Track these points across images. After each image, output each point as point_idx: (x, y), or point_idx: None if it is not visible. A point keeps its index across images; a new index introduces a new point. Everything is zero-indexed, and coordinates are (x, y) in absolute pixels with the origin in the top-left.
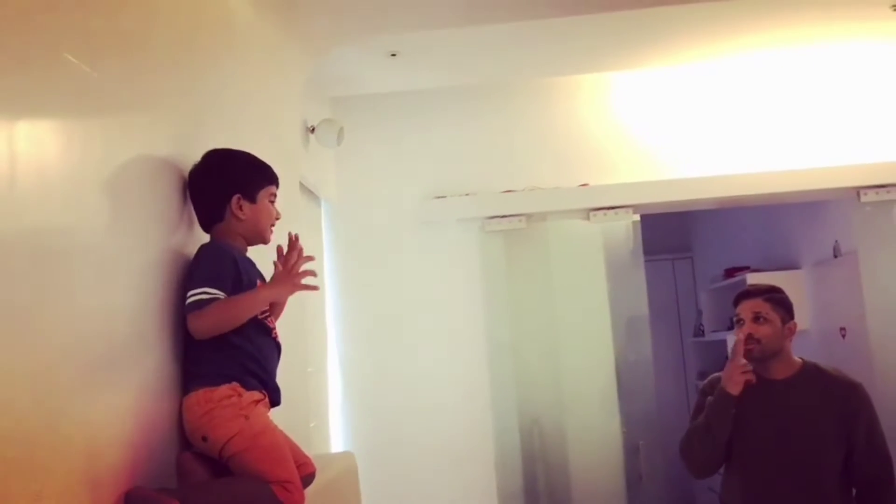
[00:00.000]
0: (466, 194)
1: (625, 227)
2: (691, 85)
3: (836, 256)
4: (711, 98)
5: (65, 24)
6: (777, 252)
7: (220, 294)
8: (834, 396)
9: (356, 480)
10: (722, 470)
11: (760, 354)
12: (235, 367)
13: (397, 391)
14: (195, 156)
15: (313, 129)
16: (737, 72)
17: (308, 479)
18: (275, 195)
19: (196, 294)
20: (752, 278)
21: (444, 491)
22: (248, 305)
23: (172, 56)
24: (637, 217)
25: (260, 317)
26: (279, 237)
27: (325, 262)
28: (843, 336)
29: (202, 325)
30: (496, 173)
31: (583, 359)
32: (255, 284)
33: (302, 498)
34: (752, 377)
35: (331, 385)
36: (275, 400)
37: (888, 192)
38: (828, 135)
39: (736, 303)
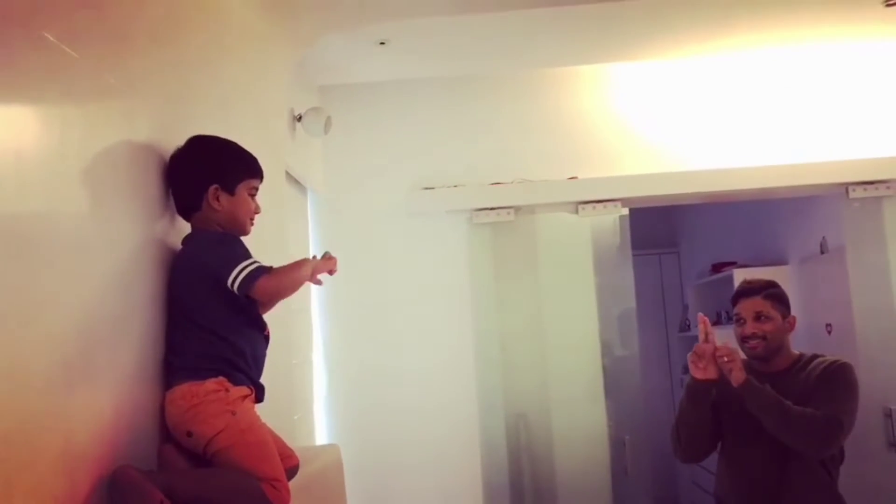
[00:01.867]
0: (455, 186)
1: (613, 220)
2: (682, 79)
3: (822, 252)
4: (702, 93)
5: (44, 2)
6: (764, 247)
7: (258, 262)
8: (819, 377)
9: (341, 473)
10: (715, 465)
11: (765, 352)
12: (223, 362)
13: (383, 383)
14: (179, 143)
15: (300, 118)
16: (728, 68)
17: (291, 471)
18: (256, 189)
19: (252, 263)
20: (739, 274)
21: (429, 484)
22: (302, 276)
23: (157, 40)
24: (626, 211)
25: (252, 309)
26: (264, 229)
27: (311, 253)
28: (829, 332)
29: (275, 285)
30: (485, 165)
31: (569, 353)
32: None
33: (288, 495)
34: (699, 374)
35: (315, 377)
36: (259, 397)
37: (877, 188)
38: (817, 131)
39: (735, 301)
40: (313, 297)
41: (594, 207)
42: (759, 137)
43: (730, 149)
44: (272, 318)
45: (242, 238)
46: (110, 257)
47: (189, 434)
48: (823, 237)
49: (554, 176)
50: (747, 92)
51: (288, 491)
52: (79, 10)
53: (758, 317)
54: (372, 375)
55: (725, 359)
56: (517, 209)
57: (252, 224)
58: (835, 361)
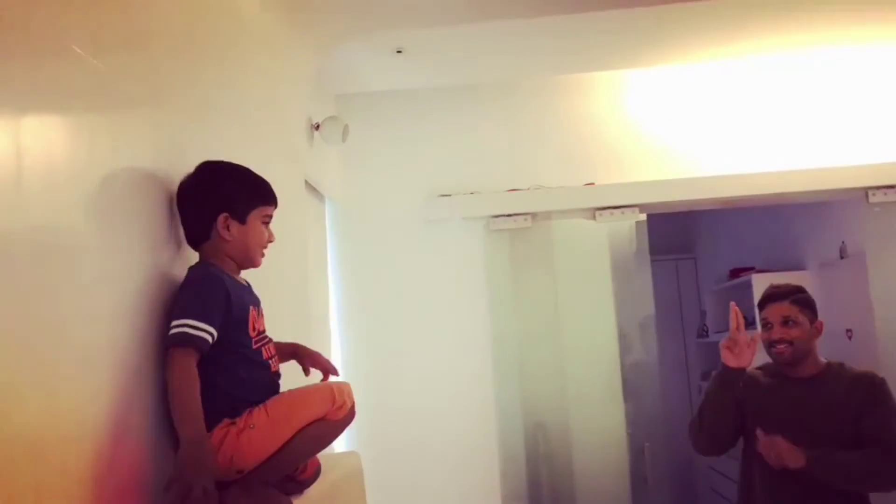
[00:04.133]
0: (471, 193)
1: (631, 226)
2: (699, 84)
3: (842, 258)
4: (719, 97)
5: (72, 15)
6: (782, 253)
7: (208, 329)
8: (855, 391)
9: (361, 480)
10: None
11: (792, 357)
12: (225, 408)
13: (401, 391)
14: (201, 154)
15: (318, 127)
16: (746, 71)
17: (312, 476)
18: (270, 217)
19: (179, 326)
20: (758, 279)
21: (448, 492)
22: (184, 417)
23: (178, 51)
24: (643, 217)
25: (255, 347)
26: (285, 239)
27: (329, 261)
28: (850, 338)
29: (169, 374)
30: (501, 172)
31: (588, 360)
32: (246, 314)
33: (347, 405)
34: (733, 361)
35: None
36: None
37: None
38: (837, 135)
39: (762, 306)
40: (331, 304)
41: (611, 213)
42: (777, 142)
43: (748, 153)
44: (291, 324)
45: (252, 269)
46: (143, 266)
47: (240, 472)
48: (843, 242)
49: (571, 182)
50: (765, 96)
51: (344, 406)
52: (105, 22)
53: (785, 321)
54: (390, 382)
55: (785, 462)
56: (534, 216)
57: (263, 255)
58: (866, 374)
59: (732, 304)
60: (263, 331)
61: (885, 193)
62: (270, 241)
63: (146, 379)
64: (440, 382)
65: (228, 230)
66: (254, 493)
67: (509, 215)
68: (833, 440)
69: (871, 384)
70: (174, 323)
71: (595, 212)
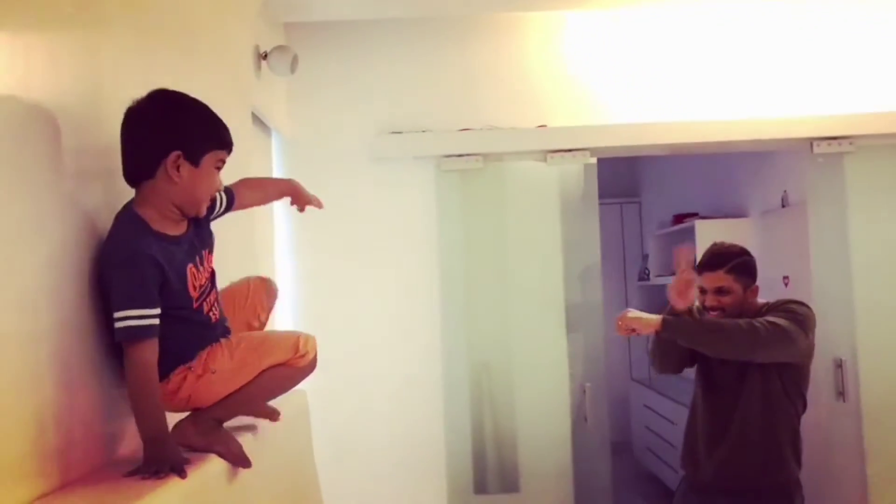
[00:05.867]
0: (423, 131)
1: (580, 170)
2: (651, 30)
3: (784, 206)
4: (669, 43)
5: None
6: (726, 199)
7: (153, 313)
8: (771, 307)
9: (307, 418)
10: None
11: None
12: (177, 361)
13: (348, 329)
14: (142, 80)
15: (266, 56)
16: (694, 18)
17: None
18: (223, 162)
19: (124, 319)
20: (701, 225)
21: (392, 430)
22: (144, 417)
23: None
24: (594, 160)
25: (195, 307)
26: (228, 172)
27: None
28: (787, 285)
29: (127, 372)
30: (454, 110)
31: (534, 301)
32: (185, 279)
33: (309, 356)
34: (681, 304)
35: (280, 324)
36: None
37: (840, 144)
38: (784, 85)
39: (699, 271)
40: (276, 239)
41: (563, 156)
42: (726, 90)
43: (698, 101)
44: (235, 263)
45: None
46: (73, 204)
47: (194, 409)
48: (785, 191)
49: (523, 124)
50: (715, 44)
51: (306, 355)
52: None
53: (719, 290)
54: (336, 322)
55: (633, 328)
56: (486, 156)
57: (209, 204)
58: (787, 299)
59: (675, 249)
60: (205, 283)
61: (829, 144)
62: (218, 190)
63: (87, 336)
64: (387, 321)
65: (178, 171)
66: (202, 427)
67: (461, 155)
68: (763, 370)
69: (783, 300)
70: (119, 315)
71: (546, 154)
